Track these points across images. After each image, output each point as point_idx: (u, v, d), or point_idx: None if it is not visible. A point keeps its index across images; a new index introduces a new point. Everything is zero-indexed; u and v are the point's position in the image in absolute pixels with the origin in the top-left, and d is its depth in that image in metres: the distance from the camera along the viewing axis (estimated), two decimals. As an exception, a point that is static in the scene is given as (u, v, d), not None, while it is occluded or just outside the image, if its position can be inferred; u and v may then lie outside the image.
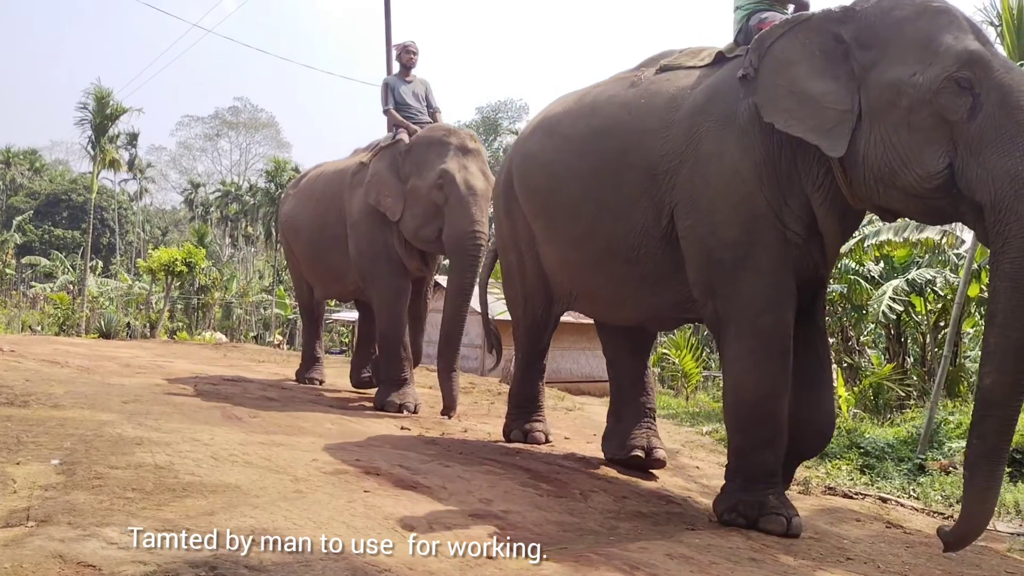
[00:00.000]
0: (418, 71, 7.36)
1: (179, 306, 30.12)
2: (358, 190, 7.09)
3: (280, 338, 29.36)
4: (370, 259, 7.09)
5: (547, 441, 5.68)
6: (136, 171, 42.59)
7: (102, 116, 28.28)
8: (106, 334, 17.42)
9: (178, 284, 25.71)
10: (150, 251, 27.08)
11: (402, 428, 5.92)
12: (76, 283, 28.98)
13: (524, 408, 5.72)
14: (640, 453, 5.04)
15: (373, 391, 7.43)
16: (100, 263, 36.25)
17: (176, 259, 20.58)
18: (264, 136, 55.36)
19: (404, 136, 6.94)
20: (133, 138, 38.51)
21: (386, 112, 7.22)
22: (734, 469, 3.98)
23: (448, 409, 6.53)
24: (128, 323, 21.02)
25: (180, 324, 27.59)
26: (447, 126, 7.04)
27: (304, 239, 8.06)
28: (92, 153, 28.98)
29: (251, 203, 42.10)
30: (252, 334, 32.05)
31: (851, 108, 3.52)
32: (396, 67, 7.56)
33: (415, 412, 6.83)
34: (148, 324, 21.65)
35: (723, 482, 4.07)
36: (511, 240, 5.40)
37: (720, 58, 4.17)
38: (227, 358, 11.03)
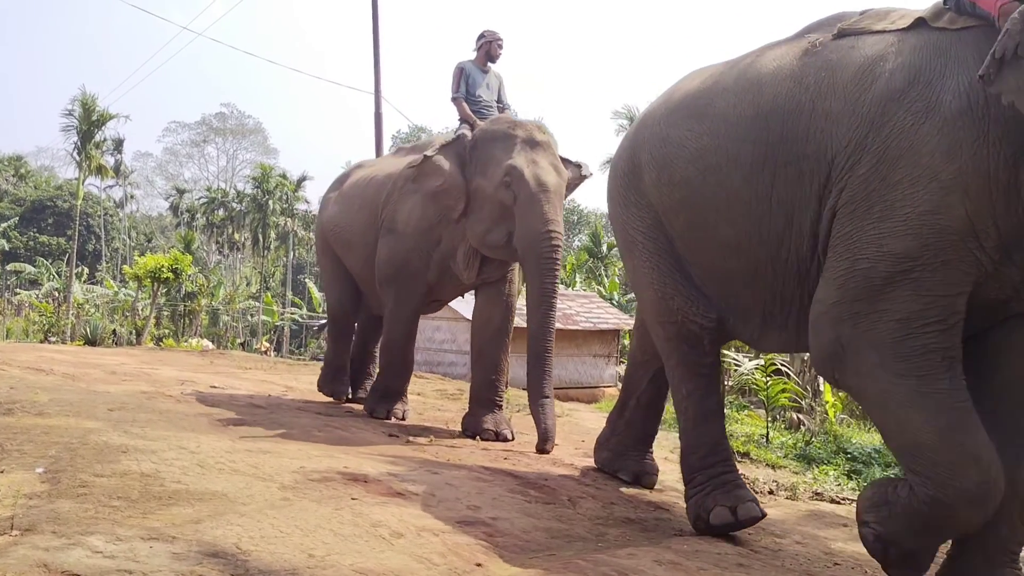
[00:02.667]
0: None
1: (165, 313, 29.94)
2: (410, 197, 6.46)
3: (267, 345, 29.24)
4: (394, 266, 6.55)
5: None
6: (122, 177, 42.38)
7: (88, 122, 28.19)
8: (92, 341, 17.27)
9: (164, 291, 25.56)
10: (136, 257, 26.94)
11: (390, 435, 5.90)
12: (62, 290, 28.78)
13: (716, 472, 4.04)
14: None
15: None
16: (86, 270, 36.02)
17: (162, 265, 20.43)
18: (251, 142, 55.35)
19: (467, 131, 6.35)
20: (119, 144, 38.33)
21: (454, 100, 6.67)
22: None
23: (543, 442, 5.60)
24: (114, 330, 20.85)
25: (166, 331, 27.42)
26: (511, 118, 6.46)
27: (359, 254, 7.23)
28: (78, 159, 28.86)
29: (238, 209, 41.98)
30: (239, 341, 31.92)
31: None
32: (473, 55, 6.89)
33: (403, 420, 6.65)
34: (134, 331, 21.48)
35: None
36: (638, 232, 4.33)
37: (920, 24, 3.27)
38: (214, 365, 10.98)
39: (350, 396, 7.82)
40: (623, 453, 5.13)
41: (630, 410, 5.14)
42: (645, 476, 5.04)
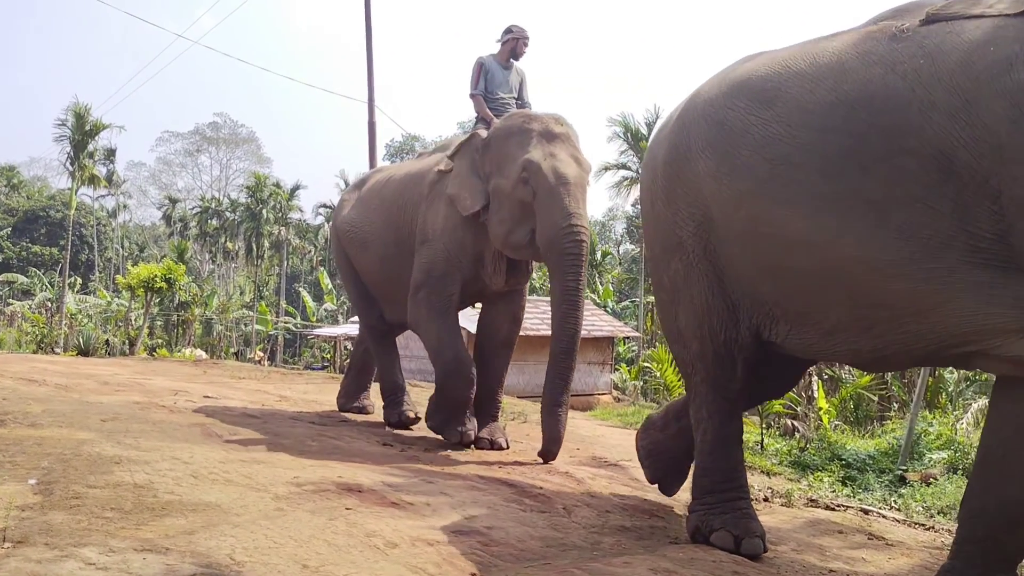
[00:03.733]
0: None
1: (159, 323, 29.91)
2: (437, 202, 6.18)
3: (261, 354, 29.22)
4: (434, 278, 6.16)
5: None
6: (114, 187, 42.37)
7: (81, 132, 28.19)
8: (85, 351, 17.23)
9: (158, 300, 25.52)
10: (129, 267, 26.91)
11: (384, 444, 5.89)
12: (54, 300, 28.74)
13: (728, 497, 3.86)
14: None
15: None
16: (79, 280, 35.98)
17: (156, 275, 20.41)
18: (244, 151, 55.37)
19: (482, 131, 6.12)
20: (110, 154, 38.33)
21: (472, 97, 6.44)
22: None
23: (547, 452, 5.49)
24: (107, 340, 20.78)
25: (160, 341, 27.35)
26: (527, 112, 6.13)
27: (375, 254, 6.97)
28: (71, 169, 28.84)
29: (232, 219, 41.97)
30: (233, 350, 31.88)
31: None
32: (496, 49, 6.65)
33: (473, 441, 6.00)
34: (127, 341, 21.43)
35: None
36: (674, 236, 3.89)
37: None
38: (207, 375, 10.95)
39: (356, 405, 7.61)
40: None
41: None
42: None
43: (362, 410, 7.62)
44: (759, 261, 3.56)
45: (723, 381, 3.83)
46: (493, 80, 6.48)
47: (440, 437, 6.15)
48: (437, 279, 6.10)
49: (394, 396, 7.10)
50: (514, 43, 6.55)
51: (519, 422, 7.64)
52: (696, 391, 3.97)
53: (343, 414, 7.52)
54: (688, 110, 3.92)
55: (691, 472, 4.11)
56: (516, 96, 6.66)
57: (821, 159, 3.22)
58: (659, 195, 3.98)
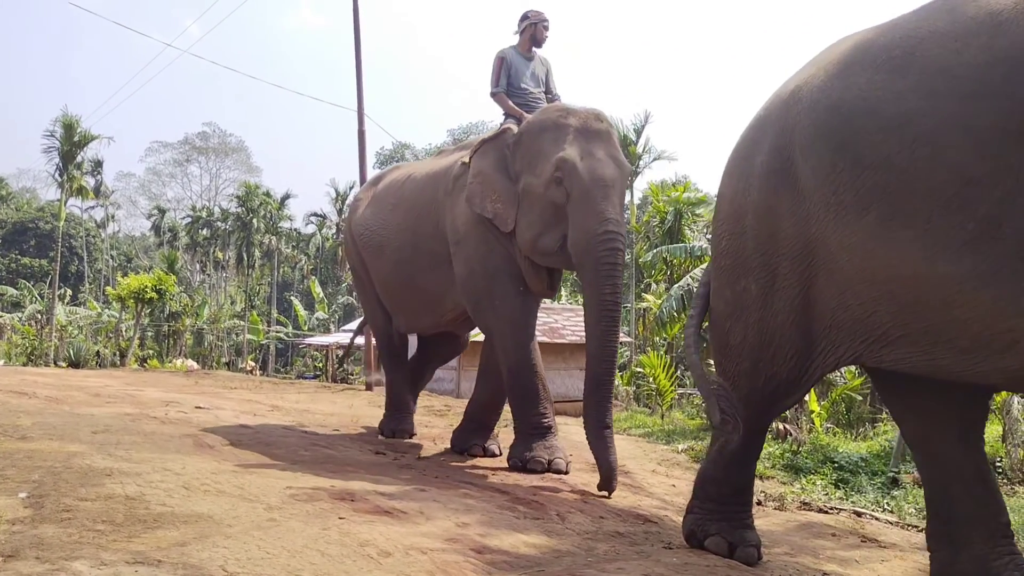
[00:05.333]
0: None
1: (149, 333, 29.82)
2: (462, 197, 5.71)
3: (252, 364, 29.11)
4: (485, 277, 5.63)
5: None
6: (103, 198, 42.25)
7: (70, 143, 28.07)
8: (75, 363, 17.16)
9: (148, 311, 25.43)
10: (119, 278, 26.81)
11: (377, 453, 5.88)
12: (44, 312, 28.59)
13: (730, 508, 3.74)
14: None
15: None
16: (68, 291, 35.82)
17: (146, 286, 20.36)
18: (234, 161, 55.27)
19: (512, 125, 5.64)
20: (98, 165, 38.20)
21: (494, 96, 5.93)
22: None
23: (606, 482, 4.95)
24: (97, 352, 20.72)
25: (151, 352, 27.28)
26: (563, 105, 5.56)
27: (390, 258, 6.50)
28: (60, 180, 28.73)
29: (223, 228, 41.88)
30: (224, 360, 31.76)
31: None
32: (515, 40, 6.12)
33: (566, 472, 5.50)
34: (118, 352, 21.36)
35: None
36: (760, 255, 3.38)
37: None
38: (199, 385, 10.92)
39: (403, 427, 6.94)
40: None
41: None
42: None
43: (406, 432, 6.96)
44: (886, 271, 2.91)
45: (765, 406, 3.56)
46: (517, 74, 5.96)
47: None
48: (497, 281, 5.61)
49: (397, 411, 6.98)
50: (532, 29, 6.03)
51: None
52: (734, 402, 3.63)
53: (336, 424, 7.49)
54: (788, 105, 3.28)
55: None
56: (544, 88, 6.11)
57: (973, 131, 2.64)
58: (750, 208, 3.40)
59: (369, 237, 6.76)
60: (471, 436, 6.15)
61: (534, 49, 6.07)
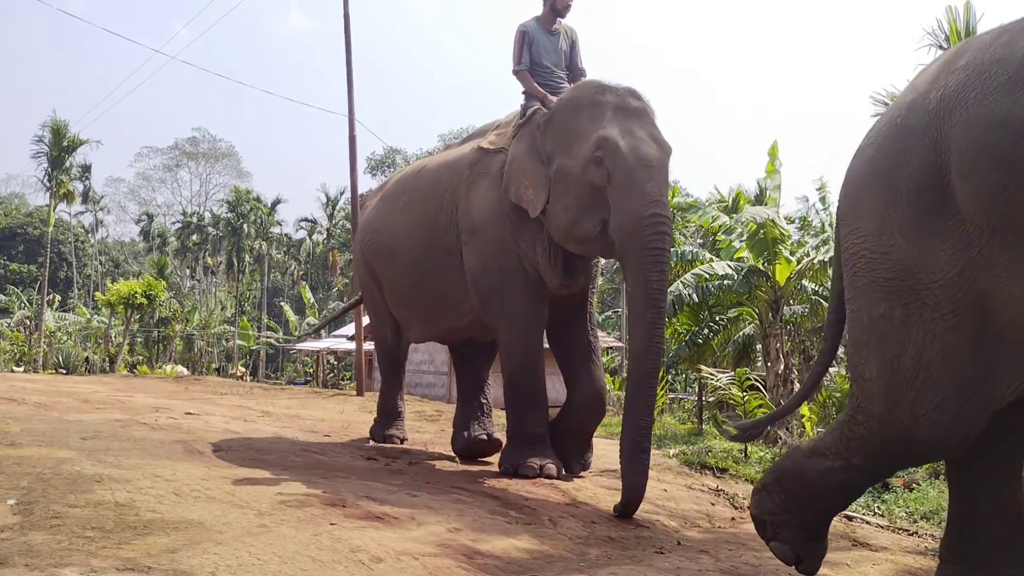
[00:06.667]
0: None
1: (139, 339, 29.68)
2: (480, 184, 5.41)
3: (243, 370, 29.06)
4: (499, 275, 5.34)
5: None
6: (92, 203, 42.10)
7: (59, 148, 27.99)
8: (65, 369, 17.08)
9: (138, 317, 25.36)
10: (108, 284, 26.72)
11: (368, 459, 5.86)
12: (33, 318, 28.46)
13: (811, 522, 3.33)
14: None
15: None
16: (57, 297, 35.67)
17: (136, 292, 20.32)
18: (224, 166, 55.02)
19: (539, 106, 5.29)
20: (86, 170, 38.05)
21: (517, 74, 5.47)
22: None
23: (626, 507, 4.46)
24: (87, 358, 20.68)
25: (140, 358, 27.18)
26: (597, 81, 5.11)
27: (402, 260, 6.10)
28: (48, 186, 28.63)
29: (213, 233, 41.77)
30: (214, 366, 31.69)
31: None
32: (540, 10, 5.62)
33: (559, 477, 5.27)
34: (107, 358, 21.30)
35: (690, 506, 4.03)
36: (908, 277, 2.85)
37: None
38: (189, 391, 10.88)
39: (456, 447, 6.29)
40: None
41: None
42: None
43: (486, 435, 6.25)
44: None
45: (898, 460, 3.15)
46: (539, 49, 5.50)
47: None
48: (510, 280, 5.33)
49: (388, 417, 6.93)
50: None
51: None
52: (862, 440, 3.05)
53: (328, 431, 7.47)
54: (936, 117, 2.80)
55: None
56: (567, 64, 5.68)
57: None
58: (897, 224, 2.89)
59: (378, 241, 6.42)
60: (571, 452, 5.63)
61: (559, 20, 5.63)
